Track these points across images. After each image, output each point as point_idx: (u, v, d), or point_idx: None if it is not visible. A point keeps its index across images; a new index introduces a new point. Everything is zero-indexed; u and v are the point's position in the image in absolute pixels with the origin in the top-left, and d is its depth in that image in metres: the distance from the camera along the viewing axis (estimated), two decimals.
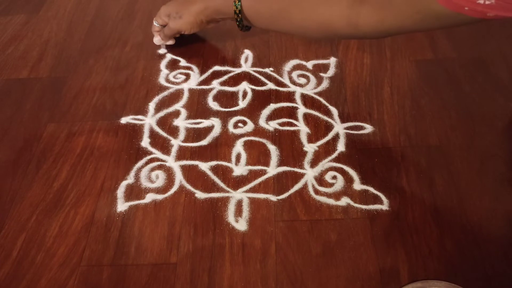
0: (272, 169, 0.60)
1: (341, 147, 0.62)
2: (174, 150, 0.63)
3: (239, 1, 0.66)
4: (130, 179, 0.60)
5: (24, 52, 0.83)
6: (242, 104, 0.69)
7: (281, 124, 0.66)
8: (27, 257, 0.53)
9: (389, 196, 0.56)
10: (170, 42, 0.79)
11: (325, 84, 0.71)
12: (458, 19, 0.45)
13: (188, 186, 0.59)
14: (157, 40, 0.79)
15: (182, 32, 0.75)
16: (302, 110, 0.67)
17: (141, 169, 0.61)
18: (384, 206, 0.55)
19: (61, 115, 0.70)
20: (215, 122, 0.67)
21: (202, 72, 0.75)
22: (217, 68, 0.75)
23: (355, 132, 0.64)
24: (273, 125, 0.66)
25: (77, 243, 0.54)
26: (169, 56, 0.78)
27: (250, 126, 0.66)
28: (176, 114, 0.69)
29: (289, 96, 0.70)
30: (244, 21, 0.69)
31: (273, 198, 0.57)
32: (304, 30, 0.65)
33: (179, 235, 0.54)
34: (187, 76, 0.75)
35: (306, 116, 0.67)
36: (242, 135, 0.65)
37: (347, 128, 0.64)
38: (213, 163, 0.62)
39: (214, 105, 0.69)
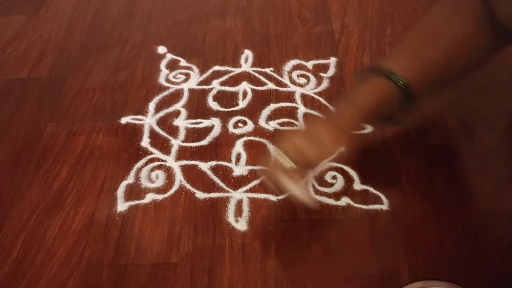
0: None
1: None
2: (174, 150, 0.63)
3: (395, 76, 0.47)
4: (130, 179, 0.60)
5: (24, 52, 0.83)
6: (242, 104, 0.69)
7: (281, 124, 0.66)
8: (27, 257, 0.54)
9: (389, 196, 0.56)
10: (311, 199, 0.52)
11: (325, 84, 0.71)
12: None
13: (188, 186, 0.59)
14: (302, 192, 0.48)
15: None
16: (302, 110, 0.67)
17: (141, 169, 0.61)
18: (384, 206, 0.55)
19: (61, 115, 0.70)
20: (215, 122, 0.67)
21: (202, 72, 0.75)
22: (217, 68, 0.75)
23: (355, 132, 0.64)
24: (273, 125, 0.66)
25: (77, 243, 0.54)
26: (169, 56, 0.78)
27: (250, 126, 0.66)
28: (176, 114, 0.69)
29: (289, 96, 0.70)
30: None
31: (273, 198, 0.57)
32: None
33: (179, 235, 0.54)
34: (187, 76, 0.75)
35: (306, 116, 0.67)
36: (242, 135, 0.65)
37: None
38: (213, 163, 0.62)
39: (214, 105, 0.69)
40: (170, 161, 0.62)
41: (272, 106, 0.68)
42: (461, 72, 0.52)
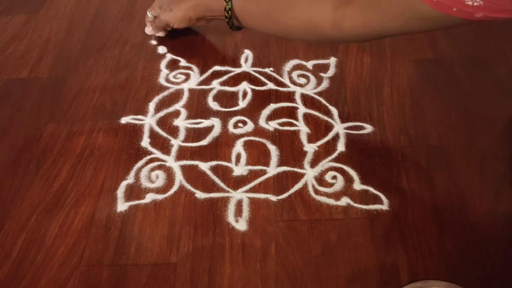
0: (272, 169, 0.60)
1: (341, 147, 0.62)
2: (174, 150, 0.63)
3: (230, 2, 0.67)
4: (130, 179, 0.60)
5: (24, 52, 0.83)
6: (242, 104, 0.69)
7: (281, 124, 0.66)
8: (27, 257, 0.53)
9: (389, 196, 0.56)
10: (161, 34, 0.80)
11: (325, 84, 0.71)
12: (445, 21, 0.43)
13: (188, 186, 0.59)
14: (148, 30, 0.81)
15: (171, 25, 0.76)
16: (302, 110, 0.67)
17: (141, 169, 0.61)
18: (384, 206, 0.55)
19: (61, 115, 0.70)
20: (215, 122, 0.67)
21: (202, 72, 0.75)
22: (217, 68, 0.75)
23: (355, 132, 0.64)
24: (273, 125, 0.66)
25: (77, 243, 0.54)
26: (169, 56, 0.78)
27: (250, 126, 0.66)
28: (176, 114, 0.69)
29: (289, 96, 0.70)
30: (234, 21, 0.69)
31: (273, 198, 0.57)
32: (291, 31, 0.64)
33: (179, 235, 0.54)
34: (187, 76, 0.75)
35: (306, 116, 0.67)
36: (242, 135, 0.65)
37: (347, 128, 0.64)
38: (213, 163, 0.62)
39: (214, 105, 0.69)
40: (170, 161, 0.62)
41: (272, 106, 0.68)
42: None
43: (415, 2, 0.44)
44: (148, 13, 0.80)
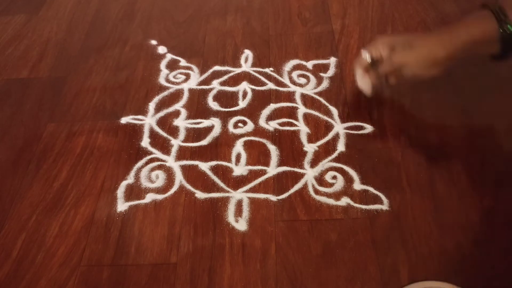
0: (272, 169, 0.60)
1: (341, 147, 0.62)
2: (174, 150, 0.63)
3: (505, 18, 0.49)
4: (130, 179, 0.60)
5: (24, 52, 0.83)
6: (242, 104, 0.69)
7: (281, 124, 0.66)
8: (27, 257, 0.53)
9: (389, 196, 0.56)
10: (369, 90, 0.60)
11: (325, 84, 0.71)
12: None
13: (188, 186, 0.59)
14: (364, 82, 0.59)
15: (405, 68, 0.55)
16: (302, 110, 0.67)
17: (141, 169, 0.61)
18: (384, 206, 0.55)
19: (61, 115, 0.70)
20: (215, 122, 0.67)
21: (202, 72, 0.75)
22: (217, 68, 0.75)
23: (355, 132, 0.64)
24: (273, 125, 0.66)
25: (77, 243, 0.54)
26: (169, 56, 0.78)
27: (250, 126, 0.66)
28: (176, 114, 0.69)
29: (289, 96, 0.70)
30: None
31: (273, 198, 0.57)
32: None
33: (179, 235, 0.54)
34: (187, 76, 0.75)
35: (306, 116, 0.67)
36: (242, 135, 0.65)
37: (347, 128, 0.64)
38: (213, 163, 0.62)
39: (214, 105, 0.69)
40: (170, 161, 0.62)
41: (272, 106, 0.68)
42: None
43: None
44: (363, 55, 0.58)
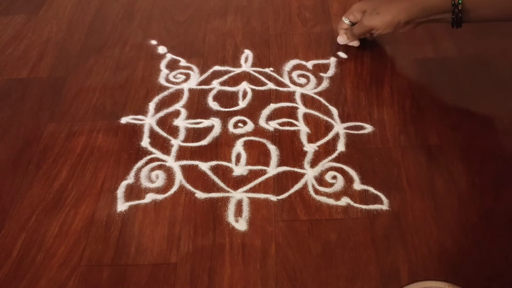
0: (272, 169, 0.60)
1: (341, 147, 0.62)
2: (174, 150, 0.63)
3: None
4: (130, 179, 0.60)
5: (24, 52, 0.83)
6: (242, 104, 0.69)
7: (281, 124, 0.66)
8: (27, 257, 0.53)
9: (389, 196, 0.56)
10: (355, 43, 0.74)
11: (325, 84, 0.71)
12: None
13: (188, 186, 0.59)
14: (342, 39, 0.74)
15: (374, 30, 0.69)
16: (302, 110, 0.67)
17: (141, 169, 0.61)
18: (384, 206, 0.55)
19: (61, 115, 0.70)
20: (215, 122, 0.67)
21: (202, 72, 0.75)
22: (217, 68, 0.75)
23: (355, 132, 0.64)
24: (273, 125, 0.66)
25: (77, 243, 0.54)
26: (169, 56, 0.78)
27: (250, 126, 0.66)
28: (176, 114, 0.69)
29: (289, 96, 0.70)
30: (464, 16, 0.62)
31: (273, 198, 0.57)
32: None
33: (179, 235, 0.54)
34: (187, 76, 0.75)
35: (306, 116, 0.67)
36: (242, 135, 0.65)
37: (347, 128, 0.64)
38: (213, 163, 0.62)
39: (214, 105, 0.69)
40: (170, 161, 0.62)
41: (272, 106, 0.68)
42: None
43: None
44: (343, 20, 0.73)
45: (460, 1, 0.60)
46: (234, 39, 0.81)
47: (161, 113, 0.69)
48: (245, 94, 0.71)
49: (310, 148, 0.62)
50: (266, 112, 0.68)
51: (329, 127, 0.65)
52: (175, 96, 0.71)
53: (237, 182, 0.59)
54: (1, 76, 0.78)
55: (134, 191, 0.59)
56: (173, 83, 0.74)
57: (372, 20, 0.68)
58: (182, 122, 0.67)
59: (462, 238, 0.52)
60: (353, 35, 0.72)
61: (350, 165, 0.60)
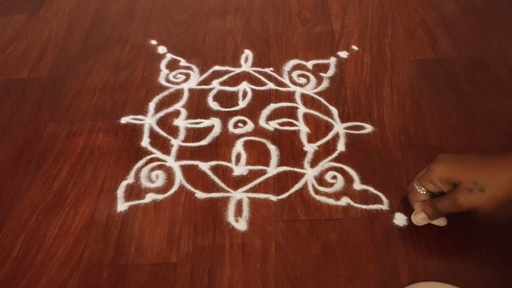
0: (272, 169, 0.60)
1: (341, 147, 0.62)
2: (174, 150, 0.63)
3: None
4: (130, 179, 0.60)
5: (24, 52, 0.83)
6: (242, 104, 0.69)
7: (281, 124, 0.66)
8: (27, 257, 0.53)
9: (389, 196, 0.56)
10: (442, 223, 0.52)
11: (325, 84, 0.71)
12: None
13: (188, 186, 0.59)
14: (420, 219, 0.51)
15: (479, 210, 0.47)
16: (302, 110, 0.67)
17: (141, 169, 0.61)
18: (384, 206, 0.55)
19: (61, 115, 0.70)
20: (215, 122, 0.67)
21: (202, 72, 0.75)
22: (217, 68, 0.75)
23: (355, 132, 0.64)
24: (273, 125, 0.66)
25: (77, 243, 0.54)
26: (169, 56, 0.78)
27: (250, 126, 0.66)
28: (176, 114, 0.69)
29: (289, 96, 0.70)
30: None
31: (273, 198, 0.57)
32: None
33: (179, 235, 0.54)
34: (187, 76, 0.75)
35: (306, 116, 0.67)
36: (242, 135, 0.65)
37: (347, 128, 0.64)
38: (213, 163, 0.62)
39: (214, 105, 0.69)
40: (170, 161, 0.62)
41: (272, 106, 0.68)
42: None
43: None
44: (416, 188, 0.51)
45: None
46: (234, 39, 0.81)
47: (161, 113, 0.69)
48: (245, 94, 0.71)
49: (310, 148, 0.62)
50: (266, 112, 0.68)
51: (329, 127, 0.65)
52: (175, 96, 0.71)
53: (237, 182, 0.59)
54: (1, 76, 0.78)
55: (134, 191, 0.59)
56: (173, 83, 0.74)
57: (476, 199, 0.46)
58: (182, 122, 0.67)
59: (462, 238, 0.52)
60: (438, 213, 0.50)
61: (350, 165, 0.60)
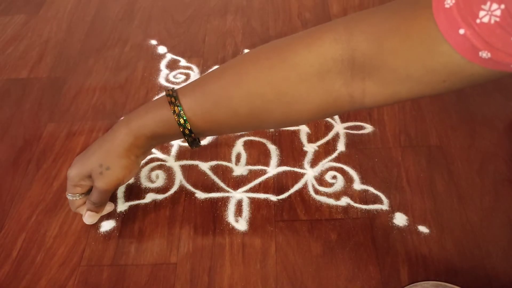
0: (272, 169, 0.60)
1: (341, 147, 0.62)
2: (174, 150, 0.63)
3: (179, 108, 0.45)
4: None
5: (24, 52, 0.83)
6: None
7: None
8: (27, 257, 0.53)
9: (389, 196, 0.56)
10: (109, 209, 0.55)
11: None
12: (493, 74, 0.37)
13: (188, 186, 0.59)
14: (89, 218, 0.53)
15: (122, 184, 0.51)
16: None
17: (141, 169, 0.61)
18: (384, 206, 0.55)
19: (61, 115, 0.70)
20: None
21: (202, 72, 0.75)
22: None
23: (355, 132, 0.64)
24: None
25: (77, 243, 0.54)
26: (169, 56, 0.78)
27: None
28: None
29: None
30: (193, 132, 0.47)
31: (273, 198, 0.57)
32: (294, 120, 0.48)
33: (179, 235, 0.54)
34: (187, 76, 0.75)
35: None
36: (242, 135, 0.65)
37: (347, 128, 0.64)
38: (213, 163, 0.62)
39: None
40: (170, 161, 0.62)
41: None
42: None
43: (461, 65, 0.36)
44: (69, 197, 0.53)
45: (184, 120, 0.46)
46: (234, 39, 0.81)
47: None
48: None
49: (310, 148, 0.62)
50: None
51: (329, 127, 0.65)
52: None
53: (237, 182, 0.59)
54: (1, 76, 0.78)
55: (134, 191, 0.59)
56: (173, 83, 0.74)
57: (111, 177, 0.49)
58: None
59: (462, 238, 0.52)
60: (98, 204, 0.52)
61: (350, 165, 0.60)
